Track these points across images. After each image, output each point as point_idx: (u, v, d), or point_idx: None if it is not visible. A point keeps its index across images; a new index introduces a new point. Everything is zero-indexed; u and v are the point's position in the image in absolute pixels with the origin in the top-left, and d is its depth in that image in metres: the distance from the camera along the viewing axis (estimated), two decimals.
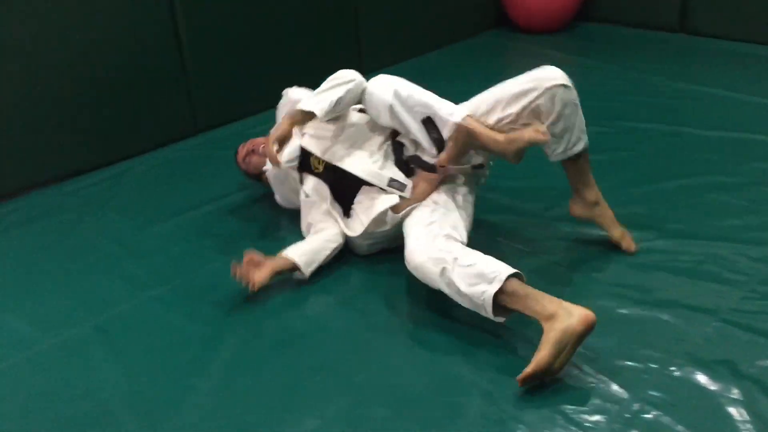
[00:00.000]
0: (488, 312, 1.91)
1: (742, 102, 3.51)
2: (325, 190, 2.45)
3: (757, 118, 3.33)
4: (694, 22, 4.51)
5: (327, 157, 2.43)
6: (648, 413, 1.73)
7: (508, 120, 2.20)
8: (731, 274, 2.18)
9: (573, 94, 2.16)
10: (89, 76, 3.16)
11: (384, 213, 2.30)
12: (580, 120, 2.21)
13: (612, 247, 2.36)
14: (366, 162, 2.37)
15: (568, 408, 1.76)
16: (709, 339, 1.94)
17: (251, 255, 2.22)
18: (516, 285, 1.91)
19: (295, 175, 2.55)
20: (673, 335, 1.97)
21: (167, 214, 2.83)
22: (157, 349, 2.08)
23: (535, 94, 2.13)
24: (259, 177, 2.75)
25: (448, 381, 1.88)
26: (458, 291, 1.95)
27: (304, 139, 2.51)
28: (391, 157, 2.39)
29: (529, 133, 2.13)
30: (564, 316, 1.81)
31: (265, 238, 2.62)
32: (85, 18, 3.10)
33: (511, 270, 1.92)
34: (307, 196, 2.48)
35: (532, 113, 2.16)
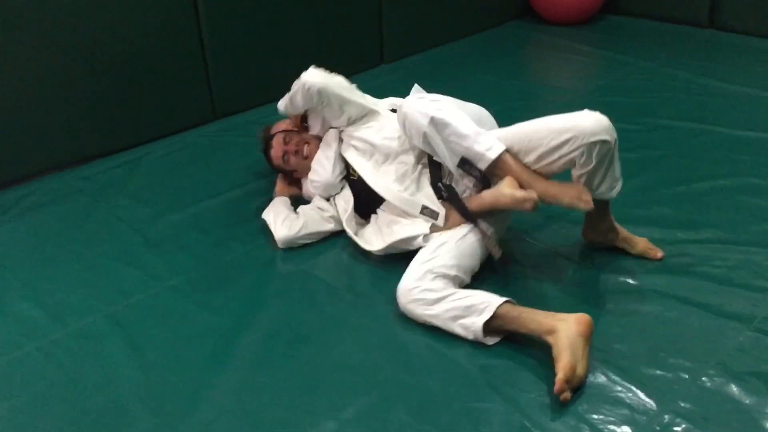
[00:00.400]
0: (479, 338, 1.91)
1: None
2: (350, 203, 2.42)
3: None
4: (724, 18, 4.40)
5: (365, 175, 2.38)
6: (678, 426, 1.67)
7: (542, 164, 2.10)
8: (766, 282, 2.11)
9: (611, 146, 2.03)
10: (108, 58, 3.11)
11: (412, 239, 2.22)
12: (616, 168, 2.10)
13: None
14: (399, 185, 2.29)
15: (595, 417, 1.71)
16: (742, 349, 1.88)
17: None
18: (507, 308, 1.91)
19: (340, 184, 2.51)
20: (704, 344, 1.91)
21: (185, 202, 2.78)
22: (174, 341, 2.04)
23: (571, 146, 2.02)
24: (292, 173, 2.67)
25: (470, 385, 1.83)
26: (447, 325, 1.95)
27: (343, 147, 2.47)
28: (427, 175, 2.31)
29: (570, 198, 2.03)
30: (562, 325, 1.81)
31: None
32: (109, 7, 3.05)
33: (502, 299, 1.92)
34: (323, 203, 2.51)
35: (567, 163, 2.07)
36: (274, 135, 2.65)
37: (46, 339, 2.07)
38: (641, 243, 2.27)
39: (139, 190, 2.91)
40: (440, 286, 1.99)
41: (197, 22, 3.34)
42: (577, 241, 2.37)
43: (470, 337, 1.92)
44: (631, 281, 2.18)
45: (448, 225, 2.22)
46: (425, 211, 2.25)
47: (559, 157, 2.06)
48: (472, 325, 1.91)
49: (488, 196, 2.14)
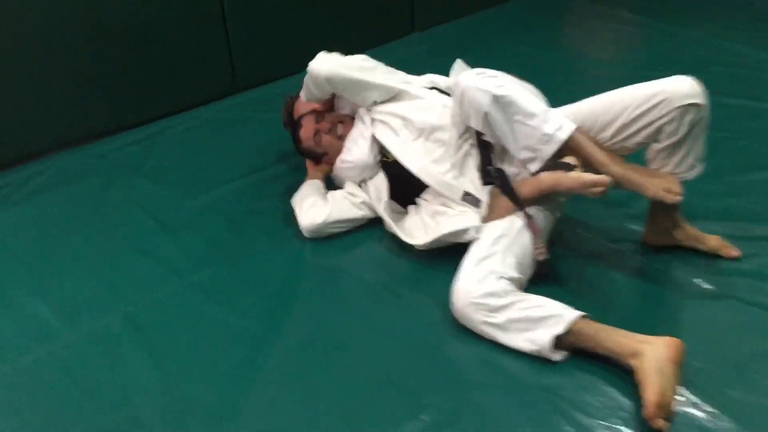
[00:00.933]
0: (545, 354, 1.70)
1: None
2: (383, 189, 2.19)
3: None
4: None
5: (396, 152, 2.15)
6: None
7: (620, 138, 1.89)
8: None
9: (705, 114, 1.83)
10: (121, 26, 2.87)
11: (462, 232, 2.00)
12: (702, 143, 1.89)
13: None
14: (439, 166, 2.07)
15: None
16: None
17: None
18: (582, 323, 1.69)
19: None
20: None
21: (206, 184, 2.57)
22: (197, 348, 1.84)
23: (661, 111, 1.81)
24: (321, 156, 2.42)
25: (533, 408, 1.61)
26: (508, 337, 1.74)
27: (375, 127, 2.23)
28: (473, 156, 2.08)
29: (656, 188, 1.82)
30: (649, 349, 1.61)
31: None
32: None
33: (577, 313, 1.70)
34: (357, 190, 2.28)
35: (652, 133, 1.85)
36: (303, 115, 2.41)
37: (56, 342, 1.87)
38: (713, 240, 2.04)
39: (156, 171, 2.69)
40: (505, 289, 1.77)
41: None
42: (639, 234, 2.14)
43: (534, 350, 1.71)
44: (705, 285, 1.95)
45: (497, 214, 1.99)
46: (467, 198, 2.03)
47: (643, 127, 1.85)
48: (540, 338, 1.69)
49: (547, 178, 1.91)
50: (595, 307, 1.81)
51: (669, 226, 2.02)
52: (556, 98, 2.06)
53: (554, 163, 1.92)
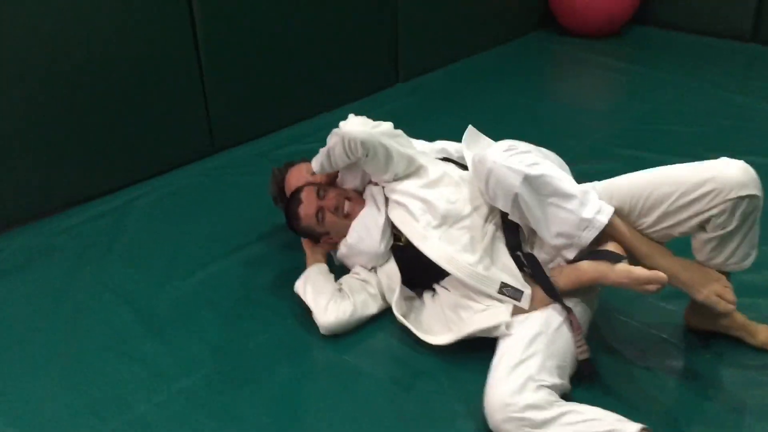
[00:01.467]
0: None
1: None
2: (395, 278, 1.94)
3: None
4: None
5: (416, 241, 1.89)
6: None
7: (663, 227, 1.70)
8: None
9: (759, 204, 1.64)
10: (89, 88, 2.59)
11: (492, 329, 1.76)
12: (756, 232, 1.69)
13: None
14: (467, 256, 1.82)
15: None
16: None
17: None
18: None
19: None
20: None
21: (187, 266, 2.28)
22: None
23: (711, 203, 1.61)
24: (320, 236, 2.13)
25: None
26: None
27: (391, 209, 1.98)
28: (501, 240, 1.86)
29: (709, 294, 1.67)
30: None
31: None
32: (91, 23, 2.53)
33: (637, 426, 1.48)
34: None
35: (699, 224, 1.66)
36: (302, 188, 2.15)
37: None
38: (763, 332, 1.83)
39: (131, 249, 2.40)
40: (546, 399, 1.53)
41: (194, 41, 2.83)
42: (677, 316, 1.93)
43: None
44: (765, 378, 1.74)
45: (532, 306, 1.76)
46: (506, 290, 1.78)
47: (689, 217, 1.65)
48: None
49: (590, 270, 1.69)
50: (649, 414, 1.61)
51: (715, 312, 1.81)
52: (562, 153, 1.89)
53: (596, 252, 1.71)
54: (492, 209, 1.86)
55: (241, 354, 1.90)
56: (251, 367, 1.85)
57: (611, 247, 1.71)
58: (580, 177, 1.83)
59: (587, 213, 1.66)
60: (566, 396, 1.63)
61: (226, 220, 2.53)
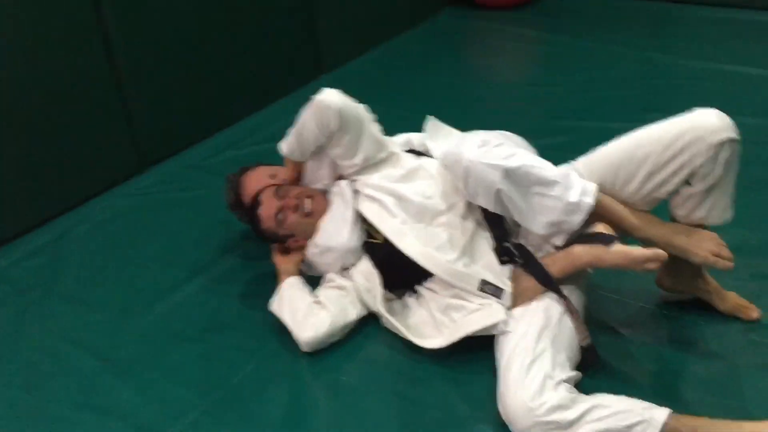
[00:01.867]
0: None
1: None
2: (375, 280, 1.86)
3: None
4: None
5: (393, 237, 1.81)
6: None
7: (648, 189, 1.67)
8: None
9: (738, 149, 1.63)
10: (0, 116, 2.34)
11: (489, 328, 1.69)
12: (734, 184, 1.69)
13: None
14: (446, 253, 1.75)
15: None
16: None
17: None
18: (676, 423, 1.44)
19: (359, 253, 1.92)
20: None
21: (146, 296, 2.10)
22: None
23: (696, 149, 1.59)
24: (285, 239, 2.01)
25: None
26: None
27: (360, 203, 1.88)
28: (483, 235, 1.79)
29: (706, 255, 1.64)
30: None
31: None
32: None
33: (665, 412, 1.44)
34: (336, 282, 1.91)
35: (684, 178, 1.63)
36: (262, 190, 2.01)
37: None
38: (732, 298, 1.84)
39: (76, 288, 2.18)
40: (569, 397, 1.48)
41: (107, 54, 2.60)
42: (661, 292, 1.91)
43: None
44: (758, 338, 1.75)
45: (524, 297, 1.70)
46: (486, 288, 1.72)
47: (675, 172, 1.63)
48: None
49: (585, 254, 1.65)
50: (662, 394, 1.60)
51: (692, 274, 1.81)
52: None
53: (587, 235, 1.67)
54: (470, 204, 1.79)
55: (228, 390, 1.75)
56: (242, 403, 1.71)
57: (600, 228, 1.67)
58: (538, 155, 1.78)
59: (573, 197, 1.61)
60: (577, 386, 1.58)
61: (177, 241, 2.35)
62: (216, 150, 2.92)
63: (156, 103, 2.81)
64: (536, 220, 1.65)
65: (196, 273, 2.18)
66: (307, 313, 1.83)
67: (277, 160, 2.09)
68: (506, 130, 1.92)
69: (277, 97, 3.30)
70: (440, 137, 2.03)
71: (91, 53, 2.54)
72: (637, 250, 1.57)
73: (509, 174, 1.59)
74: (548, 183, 1.61)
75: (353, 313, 1.88)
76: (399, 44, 3.95)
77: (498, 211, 1.69)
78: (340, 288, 1.90)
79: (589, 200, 1.62)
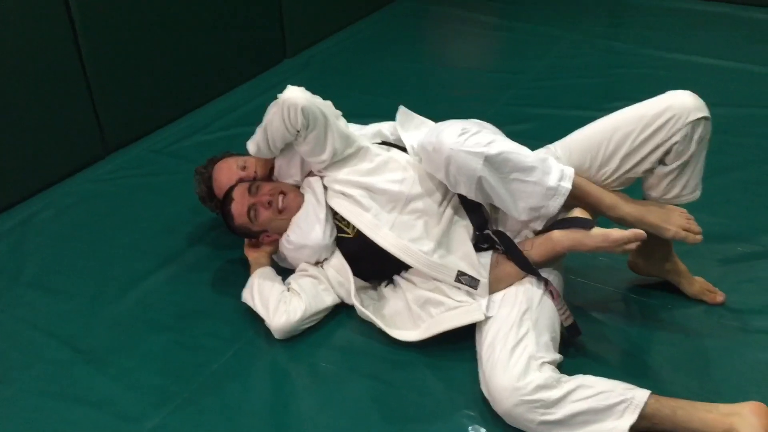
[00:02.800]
0: None
1: (728, 69, 3.20)
2: (348, 274, 1.86)
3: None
4: None
5: (366, 230, 1.82)
6: None
7: (625, 169, 1.72)
8: None
9: (710, 128, 1.69)
10: None
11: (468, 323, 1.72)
12: (704, 162, 1.75)
13: None
14: (422, 244, 1.77)
15: None
16: None
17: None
18: (655, 404, 1.49)
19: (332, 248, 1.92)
20: None
21: (117, 284, 2.07)
22: None
23: (671, 129, 1.65)
24: (258, 234, 1.98)
25: None
26: None
27: (331, 199, 1.88)
28: (460, 224, 1.80)
29: (677, 230, 1.70)
30: (740, 423, 1.45)
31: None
32: None
33: (645, 393, 1.49)
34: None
35: (660, 157, 1.69)
36: (234, 186, 1.99)
37: None
38: (697, 283, 1.90)
39: (43, 275, 2.13)
40: (553, 377, 1.51)
41: (74, 37, 2.53)
42: (630, 277, 1.97)
43: None
44: (732, 322, 1.82)
45: (503, 283, 1.73)
46: (462, 278, 1.74)
47: (652, 150, 1.69)
48: (612, 431, 1.46)
49: (564, 239, 1.69)
50: (637, 374, 1.65)
51: (662, 257, 1.87)
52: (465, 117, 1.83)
53: (565, 220, 1.71)
54: (447, 192, 1.81)
55: (208, 377, 1.74)
56: (223, 390, 1.70)
57: (577, 213, 1.71)
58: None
59: (551, 181, 1.64)
60: (559, 367, 1.62)
61: (145, 228, 2.31)
62: (182, 134, 2.87)
63: (121, 87, 2.74)
64: (517, 206, 1.67)
65: (167, 260, 2.15)
66: (279, 300, 1.82)
67: (245, 145, 2.07)
68: (478, 117, 1.92)
69: (242, 81, 3.27)
70: (412, 127, 2.03)
71: (55, 36, 2.47)
72: (616, 232, 1.61)
73: (490, 160, 1.60)
74: (527, 169, 1.63)
75: (328, 300, 1.88)
76: (363, 28, 3.93)
77: (479, 199, 1.71)
78: (314, 277, 1.90)
79: (567, 185, 1.65)
